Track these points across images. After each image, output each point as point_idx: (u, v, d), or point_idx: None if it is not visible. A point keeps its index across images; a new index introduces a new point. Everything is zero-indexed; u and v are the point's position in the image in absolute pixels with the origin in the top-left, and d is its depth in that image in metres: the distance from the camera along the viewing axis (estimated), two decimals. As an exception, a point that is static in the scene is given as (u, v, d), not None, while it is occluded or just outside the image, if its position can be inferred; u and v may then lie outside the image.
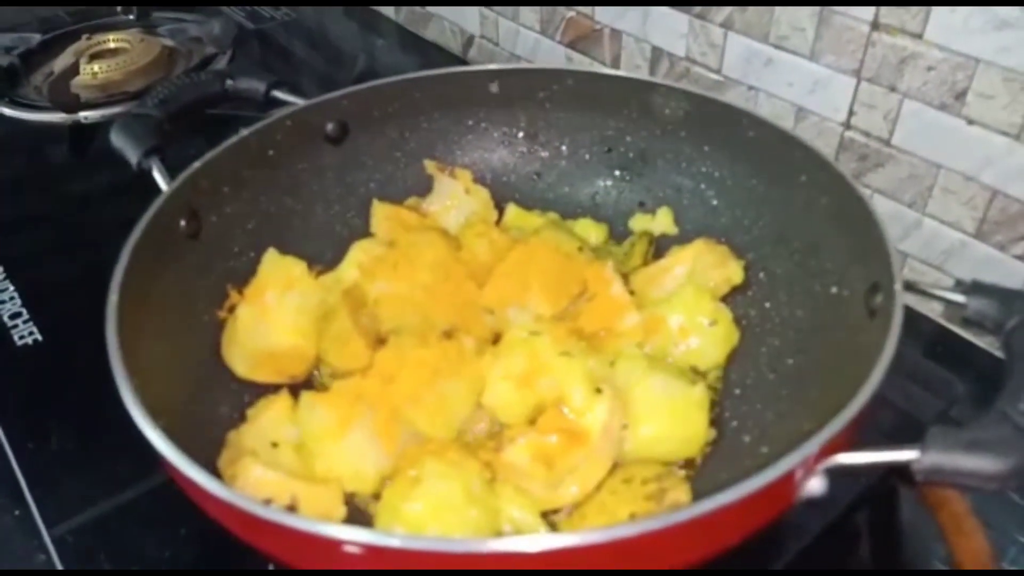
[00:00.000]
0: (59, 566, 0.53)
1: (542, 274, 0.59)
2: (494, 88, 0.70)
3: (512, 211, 0.70)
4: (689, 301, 0.58)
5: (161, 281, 0.53)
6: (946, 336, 0.68)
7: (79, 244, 0.84)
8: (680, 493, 0.46)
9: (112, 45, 1.10)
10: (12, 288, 0.75)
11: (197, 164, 0.57)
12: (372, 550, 0.34)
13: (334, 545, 0.34)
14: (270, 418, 0.51)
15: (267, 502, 0.44)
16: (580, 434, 0.49)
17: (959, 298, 0.45)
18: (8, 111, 1.01)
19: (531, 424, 0.52)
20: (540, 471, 0.48)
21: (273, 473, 0.46)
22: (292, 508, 0.45)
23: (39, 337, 0.69)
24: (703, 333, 0.57)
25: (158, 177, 0.58)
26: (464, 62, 1.14)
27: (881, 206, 0.72)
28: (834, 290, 0.53)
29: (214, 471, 0.47)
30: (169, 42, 1.13)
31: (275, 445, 0.50)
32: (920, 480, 0.36)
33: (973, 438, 0.35)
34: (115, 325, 0.45)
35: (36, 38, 1.14)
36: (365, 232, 0.68)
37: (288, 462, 0.49)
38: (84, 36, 1.12)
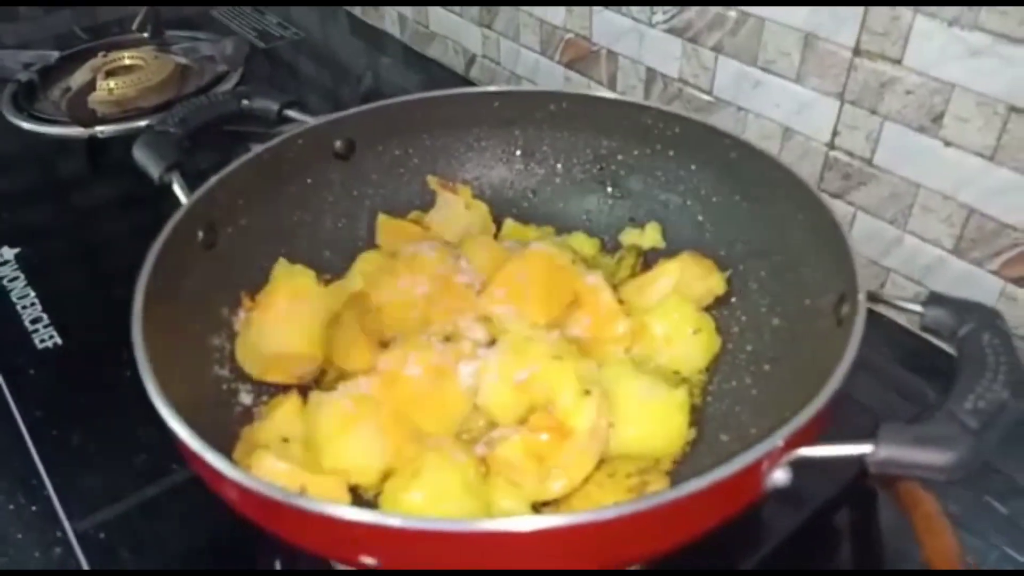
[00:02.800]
0: (82, 560, 0.55)
1: (536, 284, 0.62)
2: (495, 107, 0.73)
3: (509, 225, 0.73)
4: (674, 310, 0.61)
5: (180, 287, 0.55)
6: (920, 345, 0.70)
7: (95, 252, 0.86)
8: (660, 485, 0.49)
9: (127, 62, 1.14)
10: (33, 294, 0.77)
11: (214, 179, 0.60)
12: (374, 529, 0.37)
13: (339, 525, 0.38)
14: (281, 415, 0.54)
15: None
16: (569, 432, 0.52)
17: (917, 308, 0.48)
18: (27, 125, 1.04)
19: (523, 423, 0.54)
20: (531, 466, 0.50)
21: (284, 464, 0.48)
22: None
23: (59, 340, 0.72)
24: (687, 340, 0.60)
25: (178, 191, 0.61)
26: (466, 80, 1.16)
27: (864, 223, 0.74)
28: (808, 301, 0.56)
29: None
30: (182, 60, 1.16)
31: (285, 440, 0.52)
32: (874, 472, 0.39)
33: (922, 433, 0.38)
34: (140, 327, 0.47)
35: (54, 55, 1.18)
36: (371, 243, 0.71)
37: (297, 456, 0.52)
38: (100, 54, 1.16)
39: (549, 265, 0.63)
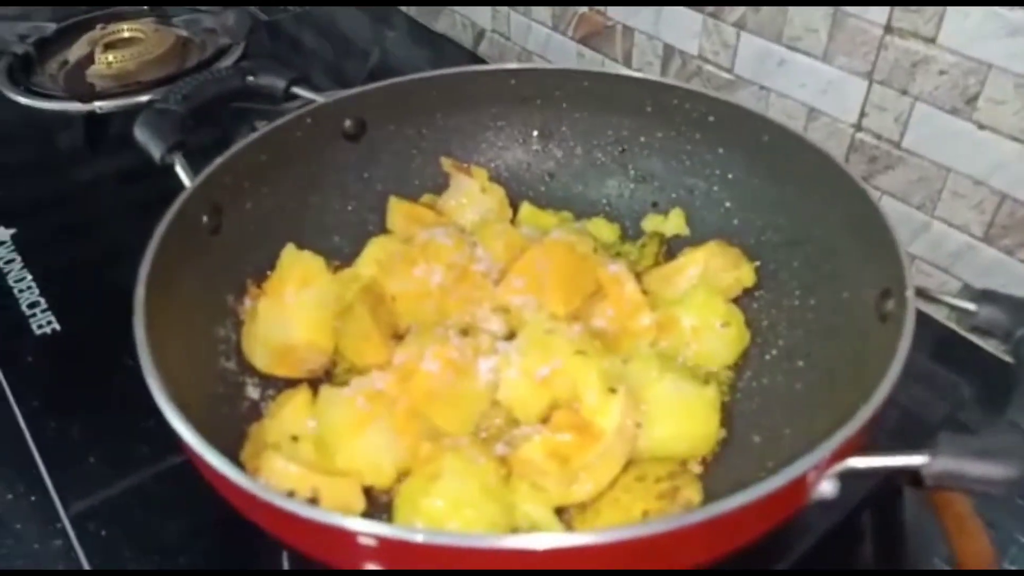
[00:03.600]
0: (78, 550, 0.53)
1: (557, 273, 0.59)
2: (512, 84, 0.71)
3: (526, 209, 0.71)
4: (702, 302, 0.58)
5: (184, 276, 0.53)
6: (952, 339, 0.68)
7: (94, 232, 0.84)
8: (692, 492, 0.47)
9: (127, 35, 1.11)
10: (30, 277, 0.75)
11: (219, 160, 0.58)
12: (392, 544, 0.35)
13: (356, 538, 0.35)
14: (290, 412, 0.52)
15: (290, 494, 0.45)
16: (594, 432, 0.50)
17: (970, 306, 0.46)
18: (23, 99, 1.01)
19: (545, 421, 0.52)
20: (554, 468, 0.48)
21: (295, 466, 0.46)
22: (314, 500, 0.46)
23: (57, 326, 0.70)
24: (715, 334, 0.58)
25: (181, 172, 0.58)
26: (475, 56, 1.14)
27: (890, 208, 0.73)
28: (845, 295, 0.54)
29: (236, 463, 0.47)
30: (183, 32, 1.14)
31: (295, 439, 0.50)
32: (930, 484, 0.36)
33: (983, 445, 0.36)
34: (143, 320, 0.45)
35: (51, 27, 1.15)
36: (382, 228, 0.69)
37: (308, 455, 0.50)
38: (99, 26, 1.13)
39: (570, 254, 0.60)
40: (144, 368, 0.43)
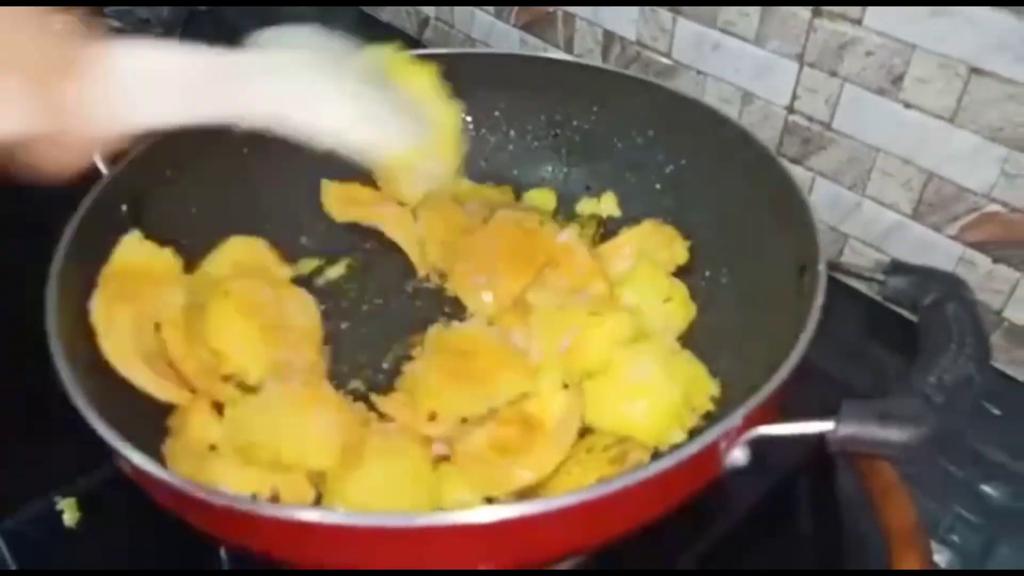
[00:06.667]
0: (8, 560, 0.52)
1: (506, 251, 0.60)
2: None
3: (466, 187, 0.70)
4: (646, 278, 0.59)
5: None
6: (884, 312, 0.69)
7: (23, 228, 0.82)
8: (640, 453, 0.47)
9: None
10: (-37, 274, 0.73)
11: (138, 149, 0.56)
12: (314, 529, 0.35)
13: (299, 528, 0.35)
14: (197, 426, 0.50)
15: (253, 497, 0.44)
16: (538, 426, 0.50)
17: (879, 277, 0.47)
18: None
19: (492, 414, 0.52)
20: (495, 458, 0.48)
21: (248, 471, 0.45)
22: (275, 499, 0.45)
23: (-9, 324, 0.68)
24: (659, 309, 0.58)
25: (98, 161, 0.56)
26: (419, 44, 1.13)
27: (823, 188, 0.73)
28: (768, 272, 0.54)
29: (157, 457, 0.46)
30: (115, 23, 1.11)
31: (213, 448, 0.48)
32: (835, 450, 0.37)
33: (884, 410, 0.37)
34: (55, 312, 0.44)
35: (-24, 20, 1.11)
36: (318, 212, 0.68)
37: (234, 460, 0.47)
38: (27, 16, 1.10)
39: (517, 230, 0.60)
40: (58, 365, 0.42)
